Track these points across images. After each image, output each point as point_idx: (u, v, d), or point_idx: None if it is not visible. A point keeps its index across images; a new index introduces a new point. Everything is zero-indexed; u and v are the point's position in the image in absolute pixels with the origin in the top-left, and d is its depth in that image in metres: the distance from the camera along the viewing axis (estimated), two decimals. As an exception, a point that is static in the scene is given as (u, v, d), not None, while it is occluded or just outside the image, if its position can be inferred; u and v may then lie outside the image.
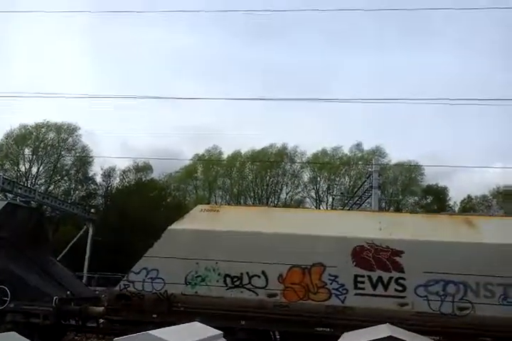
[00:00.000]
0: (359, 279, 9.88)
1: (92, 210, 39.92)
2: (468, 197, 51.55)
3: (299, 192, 53.06)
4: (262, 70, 76.41)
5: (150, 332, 4.53)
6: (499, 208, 47.17)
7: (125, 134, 76.41)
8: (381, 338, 3.74)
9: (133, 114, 73.25)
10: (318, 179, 52.52)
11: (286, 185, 52.78)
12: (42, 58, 74.46)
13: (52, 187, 51.02)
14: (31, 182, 48.14)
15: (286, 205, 45.29)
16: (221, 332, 5.44)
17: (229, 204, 45.64)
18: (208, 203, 41.58)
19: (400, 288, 9.70)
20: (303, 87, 65.72)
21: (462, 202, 51.28)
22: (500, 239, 9.76)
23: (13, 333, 5.58)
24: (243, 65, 77.68)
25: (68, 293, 11.61)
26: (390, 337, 3.72)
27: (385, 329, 4.05)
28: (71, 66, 77.28)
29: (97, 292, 14.39)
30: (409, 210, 43.32)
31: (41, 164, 51.07)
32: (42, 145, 51.60)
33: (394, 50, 74.52)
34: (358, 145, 52.37)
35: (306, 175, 53.08)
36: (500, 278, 9.38)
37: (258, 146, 53.18)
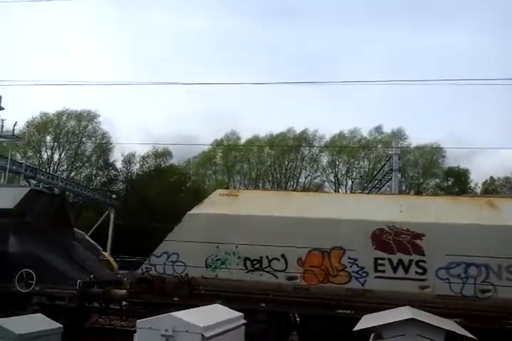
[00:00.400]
0: (379, 262, 9.83)
1: (113, 196, 40.63)
2: (491, 178, 50.80)
3: (318, 176, 53.08)
4: (277, 54, 75.89)
5: (172, 313, 4.59)
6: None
7: (145, 120, 76.82)
8: (402, 320, 3.71)
9: (151, 100, 73.78)
10: (337, 163, 52.29)
11: (305, 169, 52.74)
12: (57, 47, 74.99)
13: (73, 173, 51.94)
14: (53, 169, 48.98)
15: (305, 189, 45.27)
16: (241, 313, 5.49)
17: (247, 188, 45.75)
18: (227, 188, 41.73)
19: (420, 271, 9.62)
20: (319, 70, 65.13)
21: (484, 183, 50.59)
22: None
23: (40, 315, 5.74)
24: (256, 49, 77.23)
25: (91, 276, 11.84)
26: (412, 319, 3.70)
27: (406, 312, 4.03)
28: (86, 54, 77.78)
29: (119, 275, 14.64)
30: (430, 193, 42.92)
31: (62, 151, 51.96)
32: (63, 132, 52.33)
33: (404, 31, 73.02)
34: (378, 128, 51.87)
35: (324, 159, 52.92)
36: None
37: (276, 131, 53.15)
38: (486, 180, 50.82)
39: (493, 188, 48.55)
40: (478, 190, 48.78)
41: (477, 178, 51.72)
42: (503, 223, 9.63)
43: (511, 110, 69.55)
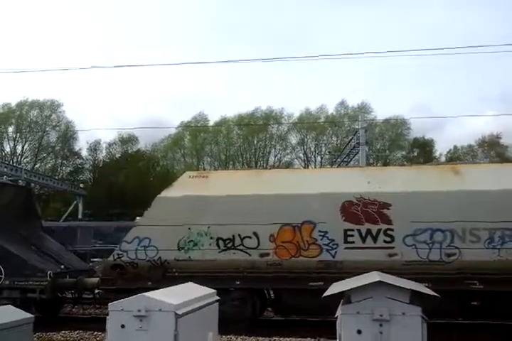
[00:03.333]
0: (349, 233, 10.00)
1: (81, 185, 39.89)
2: (454, 147, 52.02)
3: (288, 154, 53.25)
4: (244, 29, 75.04)
5: (144, 294, 4.58)
6: (484, 157, 47.79)
7: (111, 107, 75.25)
8: (370, 283, 3.81)
9: (115, 84, 72.24)
10: (306, 140, 52.56)
11: (275, 148, 52.82)
12: (16, 33, 72.23)
13: (38, 164, 50.66)
14: (17, 161, 47.70)
15: (274, 168, 45.36)
16: (214, 290, 5.53)
17: (217, 170, 45.62)
18: (197, 170, 41.53)
19: (388, 239, 9.85)
20: (283, 45, 64.82)
21: (448, 152, 51.77)
22: (484, 186, 9.85)
23: (9, 306, 5.65)
24: (222, 25, 76.13)
25: (62, 266, 11.70)
26: (379, 281, 3.79)
27: (374, 276, 4.13)
28: (41, 40, 75.24)
29: (90, 264, 14.53)
30: (396, 164, 43.71)
31: (25, 142, 50.56)
32: (25, 123, 50.89)
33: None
34: (343, 103, 52.21)
35: (293, 137, 53.08)
36: (486, 223, 9.53)
37: (244, 111, 52.89)
38: (450, 149, 52.07)
39: (456, 156, 49.75)
40: (444, 159, 49.94)
41: (446, 147, 52.87)
42: (466, 188, 9.89)
43: (474, 79, 70.77)
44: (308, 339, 8.31)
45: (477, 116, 57.64)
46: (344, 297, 3.95)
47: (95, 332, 9.24)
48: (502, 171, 10.52)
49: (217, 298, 5.44)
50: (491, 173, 10.37)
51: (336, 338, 4.01)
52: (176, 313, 4.29)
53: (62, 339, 9.03)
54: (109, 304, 4.54)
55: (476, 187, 9.85)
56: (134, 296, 4.57)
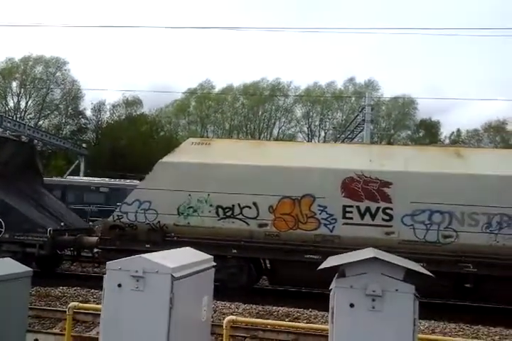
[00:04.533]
0: (347, 209, 10.09)
1: (84, 145, 39.85)
2: (458, 130, 51.69)
3: (292, 127, 52.96)
4: None
5: (142, 255, 4.61)
6: (489, 142, 47.53)
7: (115, 68, 74.37)
8: (365, 259, 3.84)
9: (123, 45, 71.12)
10: (311, 113, 52.17)
11: (279, 120, 52.50)
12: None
13: (42, 121, 50.46)
14: (20, 116, 47.48)
15: (278, 140, 45.27)
16: (211, 256, 5.59)
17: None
18: (201, 137, 41.42)
19: (387, 218, 9.94)
20: (297, 15, 63.44)
21: (451, 135, 51.49)
22: (486, 170, 9.86)
23: (8, 259, 5.70)
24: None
25: (62, 223, 11.83)
26: (374, 258, 3.82)
27: (369, 252, 4.17)
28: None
29: (90, 223, 14.68)
30: (401, 144, 43.52)
31: (29, 98, 50.14)
32: (29, 79, 50.37)
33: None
34: (351, 80, 51.56)
35: (298, 110, 52.67)
36: (485, 207, 9.59)
37: (250, 80, 52.31)
38: (453, 132, 51.79)
39: (460, 140, 49.51)
40: (448, 142, 49.66)
41: (450, 131, 52.55)
42: (467, 171, 9.89)
43: (493, 62, 69.50)
44: (301, 309, 8.47)
45: (485, 100, 56.81)
46: (339, 271, 4.00)
47: (92, 290, 9.42)
48: (505, 157, 10.49)
49: (214, 263, 5.50)
50: (493, 158, 10.36)
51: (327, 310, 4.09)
52: (172, 276, 4.33)
53: (59, 294, 9.21)
54: (107, 263, 4.59)
55: (478, 171, 9.87)
56: (132, 257, 4.61)
